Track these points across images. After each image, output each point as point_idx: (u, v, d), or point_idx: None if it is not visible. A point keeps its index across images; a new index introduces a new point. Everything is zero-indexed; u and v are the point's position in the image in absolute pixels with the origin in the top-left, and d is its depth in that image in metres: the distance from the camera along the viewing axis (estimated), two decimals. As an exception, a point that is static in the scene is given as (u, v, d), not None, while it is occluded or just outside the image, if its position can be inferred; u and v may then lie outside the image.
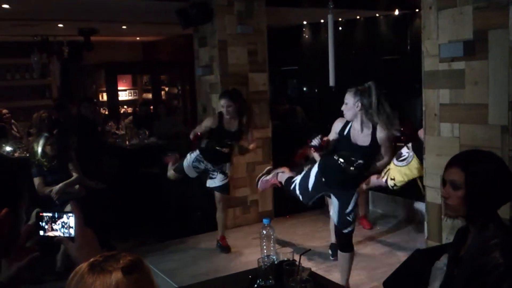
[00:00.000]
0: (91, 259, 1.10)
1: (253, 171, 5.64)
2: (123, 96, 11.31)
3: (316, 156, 3.77)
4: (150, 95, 11.30)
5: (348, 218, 3.63)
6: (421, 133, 4.17)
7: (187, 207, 6.07)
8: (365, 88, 3.38)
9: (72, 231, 1.43)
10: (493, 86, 3.33)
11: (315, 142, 3.56)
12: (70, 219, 1.44)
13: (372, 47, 8.04)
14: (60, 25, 8.00)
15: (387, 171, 4.66)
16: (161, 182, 5.70)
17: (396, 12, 7.57)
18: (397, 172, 4.65)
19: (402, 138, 4.78)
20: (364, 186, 4.95)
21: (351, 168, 3.47)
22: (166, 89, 11.62)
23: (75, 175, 4.83)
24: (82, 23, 8.04)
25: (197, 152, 4.82)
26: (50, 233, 1.46)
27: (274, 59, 6.42)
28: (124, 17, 7.54)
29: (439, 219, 3.79)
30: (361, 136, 3.44)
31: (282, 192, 4.39)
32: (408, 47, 7.52)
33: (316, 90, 9.27)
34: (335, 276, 3.79)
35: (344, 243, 3.75)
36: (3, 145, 6.46)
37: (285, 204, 5.65)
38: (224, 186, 4.90)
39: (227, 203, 5.12)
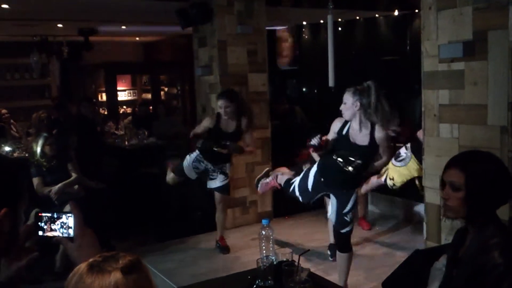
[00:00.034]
0: (90, 259, 1.10)
1: (253, 172, 5.64)
2: (123, 96, 11.31)
3: (315, 156, 3.77)
4: (149, 95, 11.30)
5: (345, 218, 3.63)
6: (420, 133, 4.17)
7: (187, 207, 6.07)
8: (364, 88, 3.38)
9: (71, 231, 1.43)
10: (493, 87, 3.33)
11: (314, 141, 3.56)
12: (69, 219, 1.44)
13: (371, 47, 8.03)
14: (60, 25, 8.00)
15: (385, 170, 4.66)
16: (160, 182, 5.69)
17: (396, 13, 7.56)
18: (395, 173, 4.65)
19: (399, 139, 4.78)
20: (363, 189, 4.95)
21: (350, 168, 3.47)
22: (166, 89, 11.62)
23: (74, 175, 4.82)
24: (82, 23, 8.04)
25: (196, 152, 4.82)
26: (49, 233, 1.46)
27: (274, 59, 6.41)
28: (124, 17, 7.53)
29: (438, 219, 3.77)
30: (359, 135, 3.44)
31: (281, 193, 4.39)
32: (408, 48, 7.52)
33: (315, 91, 9.27)
34: (334, 277, 3.78)
35: (342, 244, 3.75)
36: (2, 145, 6.46)
37: (284, 205, 5.65)
38: (225, 187, 4.90)
39: (227, 204, 5.12)
